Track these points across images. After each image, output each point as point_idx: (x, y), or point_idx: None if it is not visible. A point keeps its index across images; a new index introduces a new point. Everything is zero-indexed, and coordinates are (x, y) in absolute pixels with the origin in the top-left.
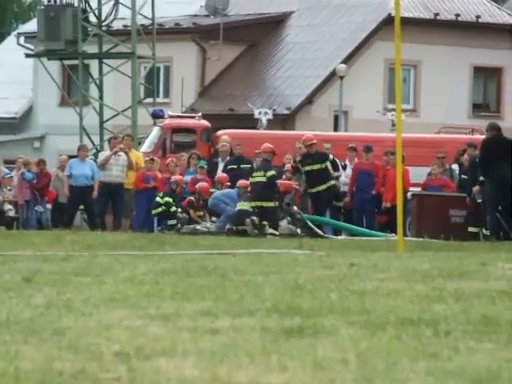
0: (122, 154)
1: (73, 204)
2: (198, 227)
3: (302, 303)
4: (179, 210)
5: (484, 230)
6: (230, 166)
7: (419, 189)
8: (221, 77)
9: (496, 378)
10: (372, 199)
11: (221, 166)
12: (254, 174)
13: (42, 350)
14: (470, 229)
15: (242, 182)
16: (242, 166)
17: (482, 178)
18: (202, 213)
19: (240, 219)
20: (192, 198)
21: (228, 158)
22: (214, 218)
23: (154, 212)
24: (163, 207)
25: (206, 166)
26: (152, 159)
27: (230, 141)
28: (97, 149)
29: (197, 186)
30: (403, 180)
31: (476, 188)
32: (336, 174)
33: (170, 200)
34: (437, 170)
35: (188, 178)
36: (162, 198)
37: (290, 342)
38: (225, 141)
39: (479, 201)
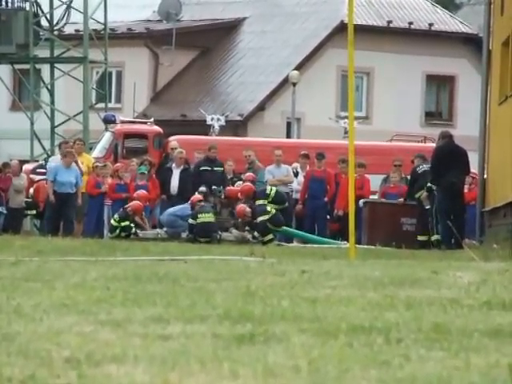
0: (73, 164)
1: (55, 210)
2: (150, 233)
3: (254, 310)
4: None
5: (435, 236)
6: (202, 168)
7: (375, 196)
8: (173, 82)
9: None
10: (324, 206)
11: (175, 172)
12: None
13: None
14: (419, 238)
15: (196, 197)
16: (215, 168)
17: (429, 185)
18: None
19: (205, 231)
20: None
21: (196, 161)
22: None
23: (110, 236)
24: (122, 231)
25: (146, 172)
26: (104, 165)
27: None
28: (48, 154)
29: (129, 205)
30: (364, 188)
31: (424, 195)
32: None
33: (128, 223)
34: (397, 177)
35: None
36: (118, 221)
37: (242, 349)
38: (175, 146)
39: (427, 207)
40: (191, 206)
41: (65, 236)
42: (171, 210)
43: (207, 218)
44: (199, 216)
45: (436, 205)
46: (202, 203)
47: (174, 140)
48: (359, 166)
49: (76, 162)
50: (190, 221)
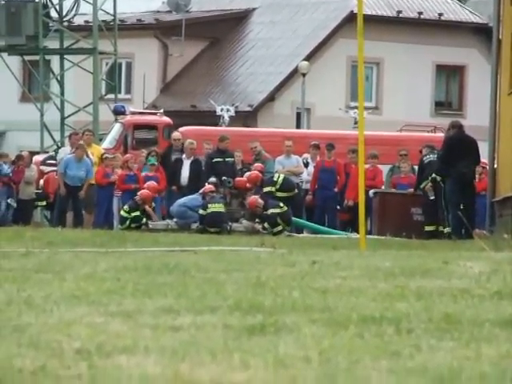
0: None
1: (65, 202)
2: (160, 223)
3: (264, 301)
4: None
5: (442, 228)
6: (215, 159)
7: (382, 186)
8: (183, 73)
9: (457, 376)
10: (334, 197)
11: (186, 163)
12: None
13: (2, 346)
14: (427, 228)
15: (208, 188)
16: (226, 159)
17: (433, 176)
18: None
19: (215, 221)
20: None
21: (210, 151)
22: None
23: (121, 228)
24: (132, 222)
25: (156, 163)
26: (114, 156)
27: (182, 137)
28: (58, 145)
29: (138, 193)
30: (377, 179)
31: (428, 185)
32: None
33: (138, 213)
34: (407, 167)
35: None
36: (128, 212)
37: (252, 340)
38: (177, 137)
39: (432, 198)
40: (202, 197)
41: (74, 227)
42: (181, 200)
43: (217, 208)
44: (209, 206)
45: (446, 195)
46: (214, 194)
47: (175, 131)
48: (372, 156)
49: (86, 154)
50: (201, 211)
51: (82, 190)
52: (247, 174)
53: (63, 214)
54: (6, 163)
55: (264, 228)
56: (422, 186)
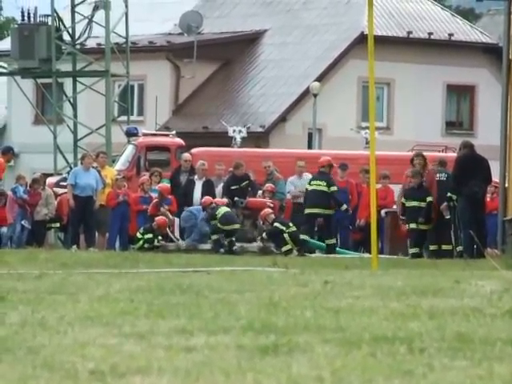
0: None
1: (77, 216)
2: (171, 244)
3: (277, 321)
4: (159, 238)
5: (459, 247)
6: (233, 187)
7: (394, 206)
8: (195, 95)
9: None
10: (347, 217)
11: (198, 183)
12: (312, 183)
13: (17, 368)
14: (431, 247)
15: (206, 199)
16: (242, 185)
17: (449, 195)
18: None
19: (229, 219)
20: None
21: (226, 178)
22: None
23: (134, 248)
24: (145, 243)
25: (168, 185)
26: (123, 177)
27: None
28: (71, 167)
29: (156, 219)
30: (388, 199)
31: (443, 205)
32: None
33: (151, 236)
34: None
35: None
36: (142, 234)
37: (265, 360)
38: (186, 158)
39: (447, 217)
40: (203, 209)
41: (87, 247)
42: (191, 207)
43: (225, 210)
44: (217, 212)
45: (458, 214)
46: (213, 205)
47: (185, 152)
48: (383, 177)
49: (99, 173)
50: (212, 222)
51: (93, 201)
52: (260, 194)
53: (77, 233)
54: (22, 185)
55: (263, 240)
56: (441, 207)
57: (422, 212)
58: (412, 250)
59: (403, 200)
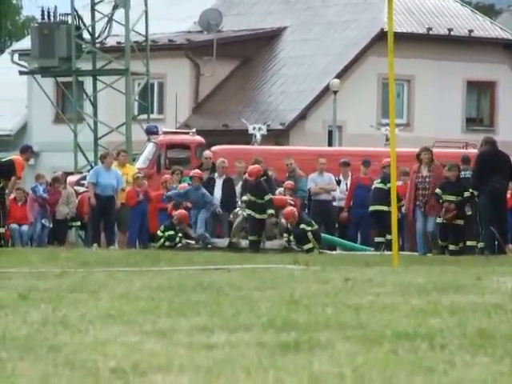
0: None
1: (97, 214)
2: (191, 242)
3: (298, 318)
4: (179, 235)
5: (481, 244)
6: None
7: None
8: (215, 92)
9: None
10: (366, 214)
11: (218, 182)
12: (375, 182)
13: (38, 366)
14: (441, 243)
15: (195, 172)
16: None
17: (471, 191)
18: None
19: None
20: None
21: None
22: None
23: (155, 246)
24: (166, 241)
25: (191, 182)
26: (143, 176)
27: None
28: (91, 165)
29: (176, 213)
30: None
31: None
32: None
33: (172, 233)
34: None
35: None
36: (163, 231)
37: (287, 357)
38: (207, 156)
39: (469, 213)
40: (190, 179)
41: (108, 245)
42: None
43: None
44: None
45: (479, 210)
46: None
47: (207, 150)
48: (404, 173)
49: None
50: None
51: (114, 200)
52: (281, 191)
53: (97, 232)
54: (41, 184)
55: (289, 241)
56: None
57: (462, 205)
58: (452, 247)
59: (438, 191)
